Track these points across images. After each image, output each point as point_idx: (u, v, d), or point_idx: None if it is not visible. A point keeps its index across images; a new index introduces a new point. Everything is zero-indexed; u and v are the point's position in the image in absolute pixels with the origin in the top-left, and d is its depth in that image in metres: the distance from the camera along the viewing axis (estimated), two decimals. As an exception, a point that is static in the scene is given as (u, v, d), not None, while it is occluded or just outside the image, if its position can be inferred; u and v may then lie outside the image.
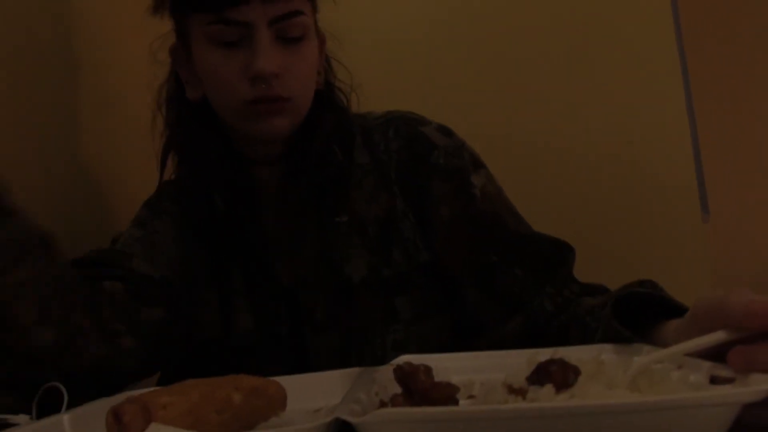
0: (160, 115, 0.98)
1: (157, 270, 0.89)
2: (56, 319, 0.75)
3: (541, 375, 0.48)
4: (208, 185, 0.94)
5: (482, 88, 1.46)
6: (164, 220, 0.96)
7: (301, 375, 0.70)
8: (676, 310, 0.66)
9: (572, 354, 0.51)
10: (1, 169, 0.93)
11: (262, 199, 0.96)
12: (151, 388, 0.59)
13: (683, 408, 0.42)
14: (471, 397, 0.54)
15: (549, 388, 0.47)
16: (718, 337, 0.52)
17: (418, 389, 0.50)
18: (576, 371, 0.49)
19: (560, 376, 0.48)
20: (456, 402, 0.51)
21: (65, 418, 0.62)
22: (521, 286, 0.88)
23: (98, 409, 0.63)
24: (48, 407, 0.68)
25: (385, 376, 0.56)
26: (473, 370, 0.59)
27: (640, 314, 0.69)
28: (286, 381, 0.63)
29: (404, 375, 0.52)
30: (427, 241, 0.94)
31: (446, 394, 0.50)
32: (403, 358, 0.61)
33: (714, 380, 0.50)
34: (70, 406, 0.66)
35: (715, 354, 0.52)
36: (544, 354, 0.51)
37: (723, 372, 0.50)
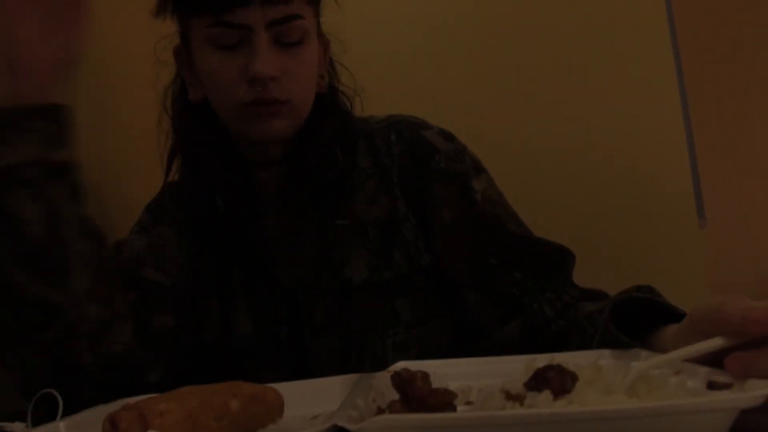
0: (166, 116, 0.99)
1: (166, 277, 0.91)
2: (102, 297, 0.77)
3: (538, 381, 0.48)
4: (209, 186, 0.94)
5: (484, 93, 1.47)
6: (167, 225, 0.96)
7: (298, 381, 0.70)
8: (674, 315, 0.66)
9: (570, 360, 0.51)
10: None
11: (262, 201, 0.96)
12: (148, 395, 0.59)
13: (681, 414, 0.42)
14: (468, 403, 0.54)
15: (547, 394, 0.47)
16: (715, 343, 0.52)
17: (416, 396, 0.50)
18: (574, 377, 0.49)
19: (558, 382, 0.48)
20: (454, 408, 0.51)
21: (61, 425, 0.62)
22: (521, 289, 0.89)
23: (94, 416, 0.63)
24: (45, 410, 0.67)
25: (382, 382, 0.55)
26: (471, 377, 0.59)
27: (638, 320, 0.69)
28: (284, 387, 0.63)
29: (402, 381, 0.51)
30: (428, 243, 0.94)
31: (444, 401, 0.50)
32: (401, 365, 0.61)
33: (711, 386, 0.50)
34: (68, 411, 0.66)
35: (713, 360, 0.52)
36: (541, 360, 0.51)
37: (720, 378, 0.50)
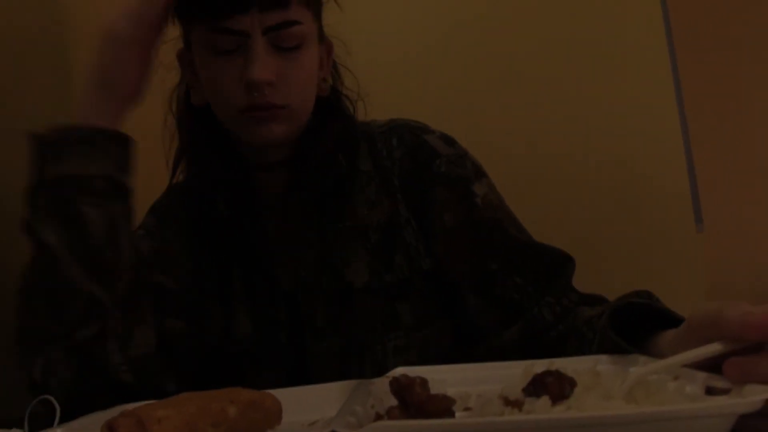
0: (172, 118, 1.00)
1: (174, 281, 0.91)
2: (129, 301, 0.84)
3: (537, 387, 0.48)
4: (210, 188, 0.95)
5: (484, 96, 1.47)
6: (171, 228, 0.97)
7: (296, 388, 0.70)
8: (673, 320, 0.66)
9: (568, 365, 0.51)
10: (2, 172, 0.94)
11: (264, 204, 0.96)
12: (146, 402, 0.59)
13: (679, 419, 0.42)
14: (467, 409, 0.54)
15: (545, 400, 0.47)
16: (714, 348, 0.52)
17: (414, 402, 0.50)
18: (572, 383, 0.49)
19: (556, 387, 0.48)
20: (452, 414, 0.51)
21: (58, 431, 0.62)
22: (521, 293, 0.89)
23: (92, 423, 0.63)
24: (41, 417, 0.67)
25: (380, 388, 0.55)
26: (469, 382, 0.59)
27: (637, 325, 0.69)
28: (282, 393, 0.63)
29: (400, 387, 0.51)
30: (429, 247, 0.94)
31: (442, 407, 0.50)
32: (399, 371, 0.61)
33: (710, 391, 0.50)
34: (67, 415, 0.66)
35: (711, 365, 0.52)
36: (540, 365, 0.51)
37: (719, 383, 0.50)
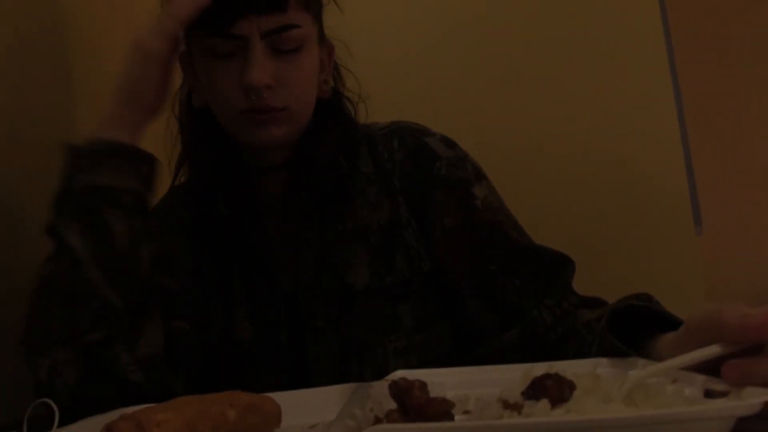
0: (174, 120, 1.00)
1: (178, 283, 0.92)
2: (139, 301, 0.84)
3: (536, 390, 0.48)
4: (211, 190, 0.95)
5: (487, 99, 1.48)
6: (173, 229, 0.97)
7: (296, 391, 0.70)
8: (672, 323, 0.66)
9: (567, 368, 0.51)
10: (2, 174, 0.94)
11: (265, 205, 0.97)
12: (145, 405, 0.59)
13: (678, 422, 0.42)
14: (466, 412, 0.54)
15: (544, 403, 0.47)
16: (712, 351, 0.52)
17: (413, 405, 0.50)
18: (571, 386, 0.49)
19: (556, 390, 0.48)
20: (451, 417, 0.51)
21: (58, 435, 0.62)
22: (520, 296, 0.89)
23: (91, 426, 0.63)
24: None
25: (380, 391, 0.55)
26: (468, 385, 0.59)
27: (637, 327, 0.69)
28: (281, 397, 0.63)
29: (399, 390, 0.51)
30: (429, 249, 0.94)
31: (441, 410, 0.50)
32: (398, 374, 0.61)
33: (709, 394, 0.50)
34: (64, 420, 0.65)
35: (710, 368, 0.52)
36: (539, 369, 0.51)
37: (717, 386, 0.50)
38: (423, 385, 0.52)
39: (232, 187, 0.95)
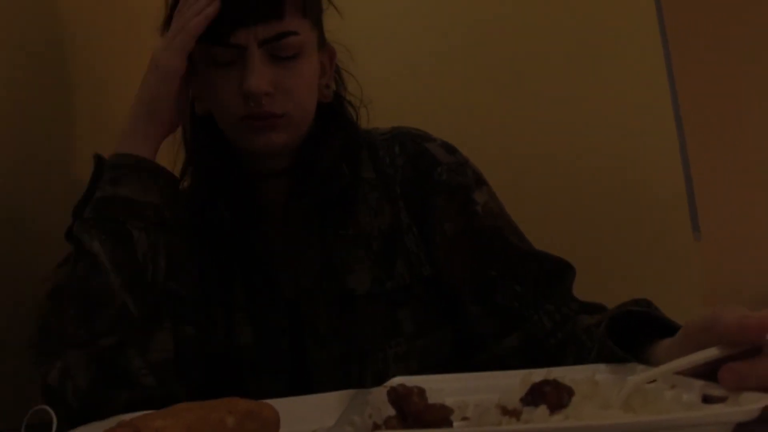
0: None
1: (184, 288, 0.91)
2: (150, 306, 0.84)
3: (535, 396, 0.48)
4: (213, 195, 0.96)
5: (488, 103, 1.48)
6: (178, 235, 0.97)
7: (294, 397, 0.70)
8: (671, 329, 0.66)
9: (566, 374, 0.51)
10: (2, 178, 0.94)
11: (267, 211, 0.97)
12: (143, 412, 0.59)
13: (677, 428, 0.42)
14: (465, 419, 0.54)
15: (543, 409, 0.47)
16: (710, 353, 0.52)
17: (412, 411, 0.50)
18: (570, 392, 0.49)
19: (554, 396, 0.48)
20: (450, 424, 0.51)
21: (56, 443, 0.62)
22: (520, 301, 0.89)
23: (90, 433, 0.63)
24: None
25: (378, 398, 0.55)
26: (467, 392, 0.59)
27: (636, 333, 0.69)
28: (280, 403, 0.62)
29: (398, 397, 0.51)
30: (430, 254, 0.95)
31: (440, 416, 0.50)
32: (397, 380, 0.61)
33: (707, 399, 0.50)
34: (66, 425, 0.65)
35: (708, 373, 0.52)
36: (537, 375, 0.51)
37: (716, 391, 0.50)
38: (421, 392, 0.52)
39: (234, 193, 0.96)
